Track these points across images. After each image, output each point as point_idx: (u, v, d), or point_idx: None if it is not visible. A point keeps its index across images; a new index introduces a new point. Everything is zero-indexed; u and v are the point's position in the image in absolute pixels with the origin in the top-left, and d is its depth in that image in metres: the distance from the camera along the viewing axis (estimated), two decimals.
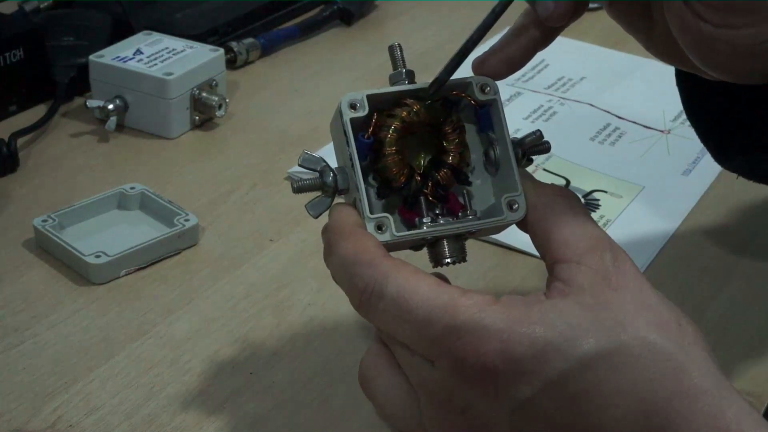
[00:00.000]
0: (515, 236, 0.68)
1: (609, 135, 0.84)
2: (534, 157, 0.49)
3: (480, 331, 0.41)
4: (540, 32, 0.47)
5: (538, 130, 0.47)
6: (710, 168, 0.79)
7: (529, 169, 0.49)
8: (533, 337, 0.41)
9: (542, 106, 0.87)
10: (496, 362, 0.41)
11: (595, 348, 0.40)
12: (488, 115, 0.47)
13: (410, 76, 0.47)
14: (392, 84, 0.47)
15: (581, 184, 0.76)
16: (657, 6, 0.46)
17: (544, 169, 0.78)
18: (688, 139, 0.82)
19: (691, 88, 0.54)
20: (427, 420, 0.44)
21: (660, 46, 0.48)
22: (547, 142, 0.48)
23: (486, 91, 0.47)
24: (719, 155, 0.55)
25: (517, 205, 0.46)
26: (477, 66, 0.48)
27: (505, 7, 0.45)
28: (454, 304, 0.42)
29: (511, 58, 0.47)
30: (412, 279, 0.43)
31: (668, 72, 0.94)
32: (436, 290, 0.42)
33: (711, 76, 0.45)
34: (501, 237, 0.68)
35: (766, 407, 0.57)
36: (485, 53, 0.48)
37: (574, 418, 0.41)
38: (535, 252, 0.67)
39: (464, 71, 0.47)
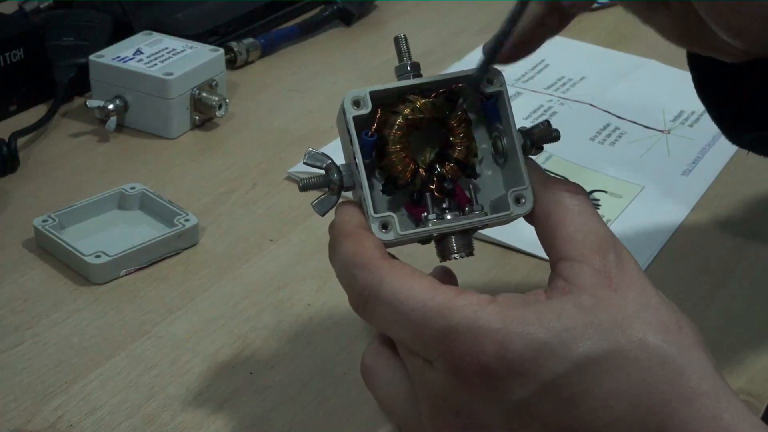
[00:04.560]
0: (515, 236, 0.68)
1: (609, 135, 0.84)
2: (535, 157, 0.48)
3: (475, 332, 0.41)
4: (556, 18, 0.47)
5: (546, 121, 0.47)
6: (710, 168, 0.79)
7: None
8: (528, 338, 0.40)
9: (542, 106, 0.87)
10: (491, 363, 0.40)
11: (591, 350, 0.40)
12: (495, 107, 0.47)
13: (416, 68, 0.47)
14: (398, 77, 0.47)
15: (581, 184, 0.76)
16: None
17: (545, 170, 0.77)
18: (688, 139, 0.83)
19: (702, 66, 0.54)
20: (425, 418, 0.44)
21: (676, 30, 0.48)
22: (556, 131, 0.47)
23: (492, 82, 0.47)
24: (730, 132, 0.55)
25: (524, 200, 0.46)
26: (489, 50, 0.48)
27: None
28: (449, 305, 0.41)
29: (524, 43, 0.47)
30: (407, 281, 0.43)
31: (668, 72, 0.94)
32: (431, 292, 0.42)
33: (728, 55, 0.45)
34: (501, 236, 0.68)
35: (766, 407, 0.57)
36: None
37: (569, 420, 0.41)
38: (535, 251, 0.67)
39: (469, 64, 0.47)
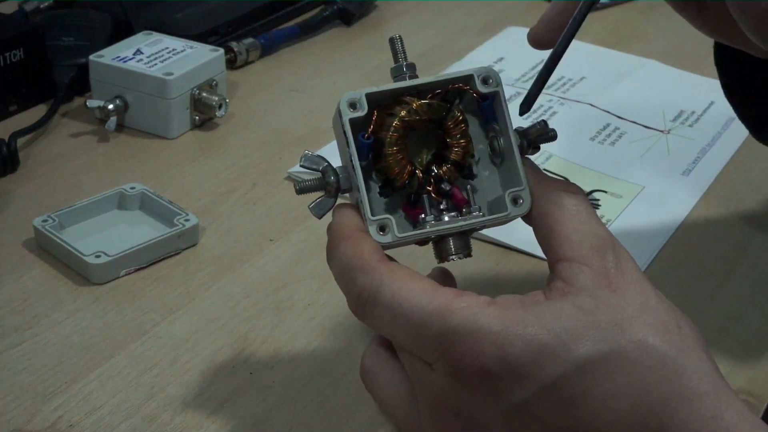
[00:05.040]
0: (515, 236, 0.68)
1: (609, 135, 0.84)
2: (533, 159, 0.48)
3: (474, 334, 0.41)
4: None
5: (543, 120, 0.47)
6: (710, 168, 0.79)
7: None
8: (528, 339, 0.40)
9: (542, 106, 0.87)
10: (491, 365, 0.41)
11: (591, 351, 0.40)
12: (491, 107, 0.47)
13: (411, 69, 0.47)
14: (393, 78, 0.47)
15: (581, 184, 0.75)
16: None
17: (545, 170, 0.77)
18: (688, 139, 0.83)
19: (730, 67, 0.55)
20: (424, 419, 0.44)
21: (710, 24, 0.48)
22: (553, 130, 0.47)
23: (488, 82, 0.46)
24: (757, 132, 0.55)
25: (521, 201, 0.46)
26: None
27: (589, 8, 0.45)
28: (448, 307, 0.42)
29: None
30: (406, 284, 0.43)
31: (668, 72, 0.94)
32: (430, 294, 0.42)
33: (757, 51, 0.45)
34: (501, 236, 0.68)
35: (767, 407, 0.57)
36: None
37: (569, 421, 0.41)
38: (535, 251, 0.67)
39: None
